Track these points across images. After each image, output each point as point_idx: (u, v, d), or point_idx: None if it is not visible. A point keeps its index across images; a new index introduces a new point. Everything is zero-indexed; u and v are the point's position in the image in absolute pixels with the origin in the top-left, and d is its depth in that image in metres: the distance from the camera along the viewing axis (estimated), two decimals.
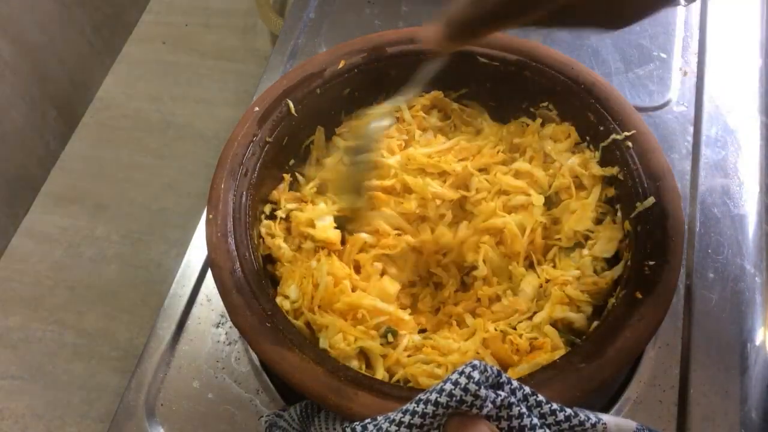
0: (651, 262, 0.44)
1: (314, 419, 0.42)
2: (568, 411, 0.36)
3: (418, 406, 0.34)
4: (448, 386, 0.33)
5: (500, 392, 0.34)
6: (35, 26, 1.23)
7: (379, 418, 0.36)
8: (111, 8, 1.43)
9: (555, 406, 0.36)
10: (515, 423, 0.34)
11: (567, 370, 0.40)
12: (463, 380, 0.33)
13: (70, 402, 1.05)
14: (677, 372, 0.49)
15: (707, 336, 0.51)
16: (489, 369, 0.34)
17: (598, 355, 0.40)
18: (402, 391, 0.40)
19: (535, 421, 0.35)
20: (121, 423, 0.50)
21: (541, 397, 0.36)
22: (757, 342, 0.51)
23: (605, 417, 0.38)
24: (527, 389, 0.36)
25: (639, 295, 0.42)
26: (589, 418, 0.37)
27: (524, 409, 0.35)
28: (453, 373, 0.34)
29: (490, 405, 0.33)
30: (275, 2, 1.22)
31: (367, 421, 0.36)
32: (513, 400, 0.34)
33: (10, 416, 1.04)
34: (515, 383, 0.36)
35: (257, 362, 0.52)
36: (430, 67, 0.45)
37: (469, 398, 0.33)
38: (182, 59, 1.45)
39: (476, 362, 0.34)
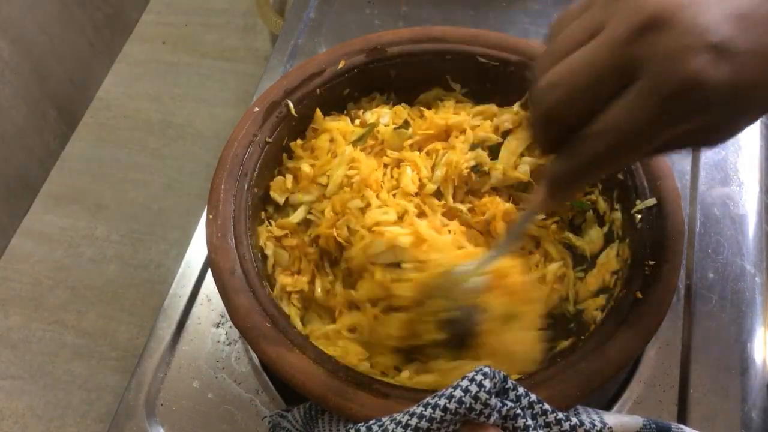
0: (651, 262, 0.44)
1: (318, 420, 0.42)
2: (574, 420, 0.36)
3: (425, 410, 0.34)
4: (458, 393, 0.33)
5: (506, 402, 0.34)
6: (35, 26, 1.23)
7: (384, 419, 0.36)
8: (111, 8, 1.43)
9: (560, 415, 0.36)
10: None
11: (567, 370, 0.40)
12: (473, 388, 0.33)
13: (70, 402, 1.05)
14: (677, 372, 0.49)
15: (707, 336, 0.51)
16: (497, 375, 0.34)
17: (598, 354, 0.40)
18: (403, 391, 0.40)
19: None
20: (121, 423, 0.50)
21: (546, 406, 0.36)
22: (757, 342, 0.51)
23: (610, 419, 0.38)
24: (533, 396, 0.36)
25: (639, 295, 0.42)
26: (594, 425, 0.37)
27: (530, 421, 0.35)
28: (463, 379, 0.34)
29: (497, 415, 0.33)
30: (275, 2, 1.22)
31: (371, 422, 0.36)
32: (518, 411, 0.34)
33: (10, 416, 1.04)
34: (521, 390, 0.35)
35: (257, 362, 0.52)
36: (526, 221, 0.42)
37: (478, 406, 0.33)
38: (182, 59, 1.45)
39: (486, 369, 0.34)
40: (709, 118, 0.29)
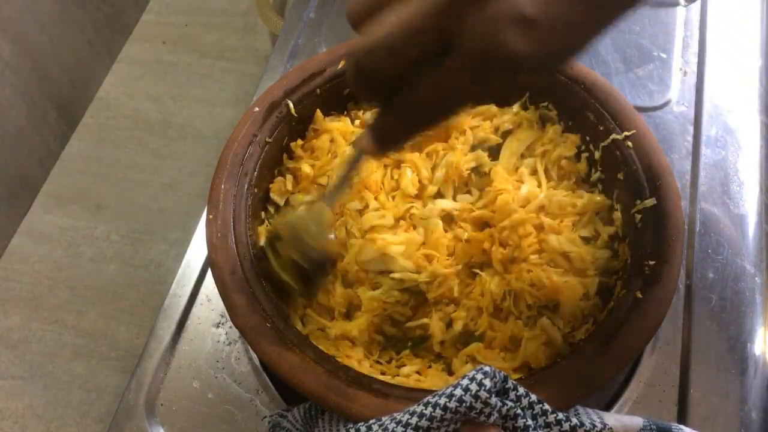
0: (651, 262, 0.44)
1: (318, 420, 0.42)
2: (574, 421, 0.36)
3: (426, 409, 0.34)
4: (458, 392, 0.33)
5: (507, 401, 0.34)
6: (35, 26, 1.23)
7: (384, 418, 0.36)
8: (111, 8, 1.43)
9: (561, 415, 0.36)
10: None
11: (568, 370, 0.40)
12: (473, 387, 0.33)
13: (70, 402, 1.05)
14: (677, 372, 0.49)
15: (707, 336, 0.51)
16: (497, 374, 0.34)
17: (598, 354, 0.40)
18: (402, 391, 0.40)
19: None
20: (121, 423, 0.50)
21: (546, 406, 0.36)
22: (757, 342, 0.51)
23: (610, 420, 0.38)
24: (533, 397, 0.36)
25: (639, 295, 0.42)
26: (594, 426, 0.37)
27: (530, 421, 0.35)
28: (463, 378, 0.34)
29: (497, 414, 0.33)
30: (275, 2, 1.22)
31: (372, 421, 0.36)
32: (519, 411, 0.34)
33: (10, 416, 1.04)
34: (521, 390, 0.35)
35: (257, 362, 0.52)
36: (354, 165, 0.43)
37: (478, 405, 0.33)
38: (182, 59, 1.45)
39: (487, 369, 0.34)
40: (515, 80, 0.31)
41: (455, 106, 0.33)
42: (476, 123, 0.54)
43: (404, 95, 0.32)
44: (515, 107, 0.55)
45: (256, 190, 0.50)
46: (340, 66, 0.54)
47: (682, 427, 0.39)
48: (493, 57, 0.29)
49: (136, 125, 1.36)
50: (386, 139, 0.36)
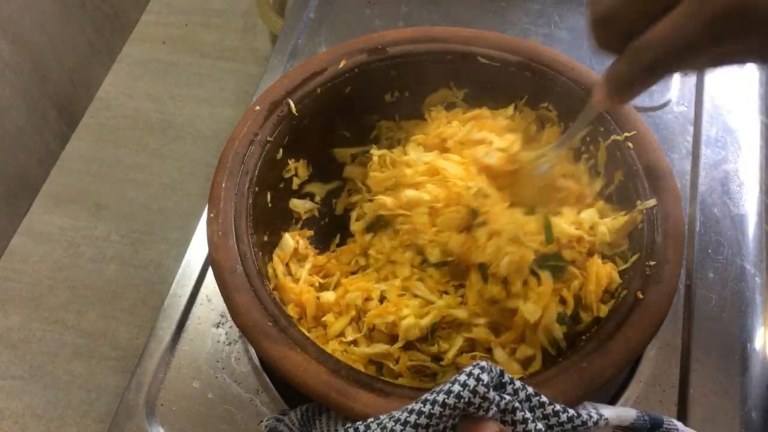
0: (652, 262, 0.44)
1: (315, 423, 0.42)
2: (571, 412, 0.36)
3: (424, 406, 0.34)
4: (456, 387, 0.33)
5: (505, 395, 0.34)
6: (35, 26, 1.23)
7: (382, 416, 0.36)
8: (111, 8, 1.43)
9: (558, 407, 0.36)
10: (519, 428, 0.34)
11: (569, 370, 0.40)
12: (471, 382, 0.33)
13: (70, 402, 1.05)
14: (677, 372, 0.49)
15: (707, 336, 0.51)
16: (494, 369, 0.34)
17: (600, 354, 0.40)
18: (405, 390, 0.40)
19: (540, 426, 0.35)
20: (121, 423, 0.50)
21: (543, 398, 0.36)
22: (757, 342, 0.51)
23: (606, 411, 0.39)
24: (530, 390, 0.36)
25: (640, 295, 0.42)
26: (591, 417, 0.37)
27: (528, 414, 0.35)
28: (461, 374, 0.34)
29: (495, 408, 0.34)
30: (275, 2, 1.22)
31: (369, 420, 0.36)
32: (517, 404, 0.34)
33: (10, 416, 1.04)
34: (518, 383, 0.36)
35: (257, 362, 0.52)
36: (586, 118, 0.43)
37: (476, 400, 0.33)
38: (182, 59, 1.45)
39: (483, 364, 0.34)
40: (758, 39, 0.29)
41: (685, 60, 0.31)
42: (479, 135, 0.53)
43: (638, 45, 0.32)
44: (509, 110, 0.55)
45: (257, 189, 0.50)
46: (341, 65, 0.54)
47: (673, 420, 0.40)
48: (723, 10, 0.27)
49: (136, 125, 1.36)
50: (619, 89, 0.35)
